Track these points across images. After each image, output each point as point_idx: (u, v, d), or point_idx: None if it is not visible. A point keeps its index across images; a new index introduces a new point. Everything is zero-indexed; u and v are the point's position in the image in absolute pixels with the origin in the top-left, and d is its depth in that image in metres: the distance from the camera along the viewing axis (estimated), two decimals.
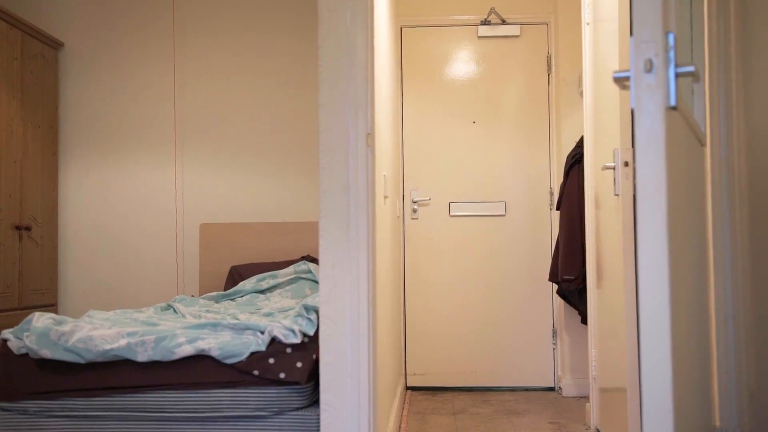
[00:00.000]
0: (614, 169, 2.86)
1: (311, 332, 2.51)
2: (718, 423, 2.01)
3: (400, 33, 4.51)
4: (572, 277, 3.81)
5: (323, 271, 2.15)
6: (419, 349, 4.49)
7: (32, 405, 2.46)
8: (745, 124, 2.28)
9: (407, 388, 4.47)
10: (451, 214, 4.52)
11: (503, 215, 4.51)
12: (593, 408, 3.41)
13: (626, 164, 2.80)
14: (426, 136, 4.55)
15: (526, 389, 4.40)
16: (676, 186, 1.61)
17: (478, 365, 4.47)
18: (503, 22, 4.48)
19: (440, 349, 4.50)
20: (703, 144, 2.24)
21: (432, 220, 4.54)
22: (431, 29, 4.55)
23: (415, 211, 4.52)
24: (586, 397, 4.04)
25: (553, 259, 4.12)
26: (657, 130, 1.51)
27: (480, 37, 4.52)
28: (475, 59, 4.54)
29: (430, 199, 4.52)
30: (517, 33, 4.49)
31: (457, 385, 4.47)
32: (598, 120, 3.33)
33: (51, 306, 4.43)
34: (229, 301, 3.73)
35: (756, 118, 2.12)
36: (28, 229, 4.15)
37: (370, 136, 2.20)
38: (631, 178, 2.72)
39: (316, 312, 2.62)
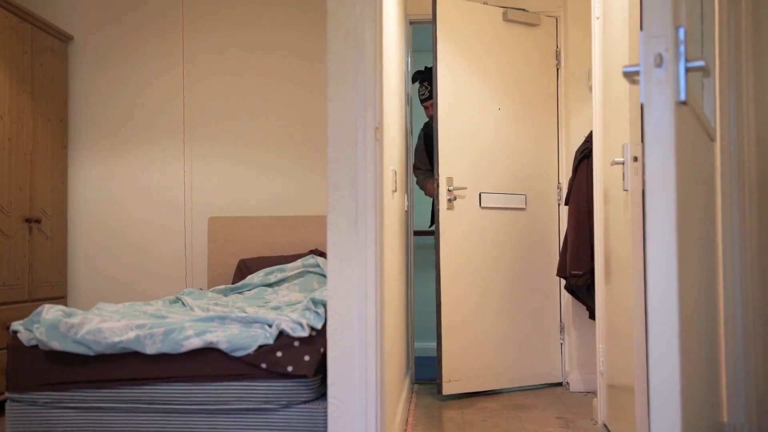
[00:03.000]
0: (623, 164, 2.85)
1: (319, 326, 2.51)
2: (725, 419, 2.01)
3: (434, 4, 4.07)
4: (581, 273, 3.80)
5: (331, 265, 2.15)
6: (452, 352, 4.06)
7: (42, 396, 2.48)
8: (756, 119, 2.26)
9: (444, 396, 4.07)
10: (482, 205, 4.19)
11: (524, 209, 4.33)
12: (601, 403, 3.40)
13: (635, 159, 2.79)
14: (458, 120, 4.13)
15: (534, 385, 4.39)
16: (685, 181, 1.60)
17: (499, 365, 4.21)
18: (524, 10, 4.37)
19: (468, 351, 4.11)
20: (713, 139, 2.23)
21: (465, 212, 4.13)
22: (465, 4, 4.20)
23: (450, 201, 4.06)
24: (594, 393, 4.03)
25: (561, 254, 4.11)
26: (666, 125, 1.50)
27: (506, 21, 4.27)
28: (500, 43, 4.27)
29: (467, 188, 4.10)
30: (538, 22, 4.39)
31: (488, 389, 4.18)
32: (607, 115, 3.31)
33: (60, 298, 4.45)
34: (237, 295, 3.74)
35: (766, 113, 2.11)
36: (38, 221, 4.17)
37: (378, 129, 2.19)
38: (640, 174, 2.71)
39: (324, 306, 2.62)
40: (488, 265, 4.22)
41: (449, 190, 4.06)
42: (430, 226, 4.69)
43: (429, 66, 4.48)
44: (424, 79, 4.59)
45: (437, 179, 4.03)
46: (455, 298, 4.10)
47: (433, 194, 4.38)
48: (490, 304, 4.21)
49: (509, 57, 4.32)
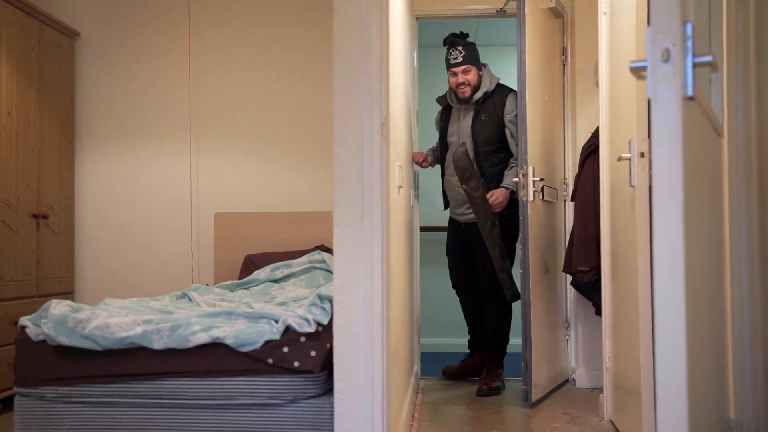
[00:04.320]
0: (630, 160, 2.83)
1: (325, 321, 2.52)
2: (732, 415, 2.00)
3: None
4: (587, 269, 3.78)
5: (337, 261, 2.16)
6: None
7: (49, 391, 2.49)
8: (763, 114, 2.25)
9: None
10: (544, 198, 3.96)
11: (554, 202, 4.19)
12: (607, 399, 3.40)
13: (642, 155, 2.77)
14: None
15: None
16: (692, 177, 1.60)
17: (540, 364, 3.91)
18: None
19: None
20: (720, 134, 2.22)
21: (537, 205, 3.86)
22: None
23: (536, 192, 3.77)
24: (600, 389, 4.02)
25: (567, 249, 4.09)
26: (673, 120, 1.49)
27: (548, 8, 4.08)
28: (541, 30, 4.02)
29: (543, 180, 3.87)
30: (564, 13, 4.30)
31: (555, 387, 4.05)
32: (613, 110, 3.30)
33: (68, 294, 4.47)
34: (244, 290, 3.75)
35: None
36: (45, 217, 4.19)
37: (384, 126, 2.19)
38: (646, 169, 2.70)
39: (330, 301, 2.62)
40: (534, 264, 3.86)
41: (534, 181, 3.74)
42: (445, 208, 4.43)
43: (464, 32, 4.21)
44: (457, 43, 4.11)
45: (525, 168, 3.69)
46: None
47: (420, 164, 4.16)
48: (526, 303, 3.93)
49: (542, 47, 4.09)
